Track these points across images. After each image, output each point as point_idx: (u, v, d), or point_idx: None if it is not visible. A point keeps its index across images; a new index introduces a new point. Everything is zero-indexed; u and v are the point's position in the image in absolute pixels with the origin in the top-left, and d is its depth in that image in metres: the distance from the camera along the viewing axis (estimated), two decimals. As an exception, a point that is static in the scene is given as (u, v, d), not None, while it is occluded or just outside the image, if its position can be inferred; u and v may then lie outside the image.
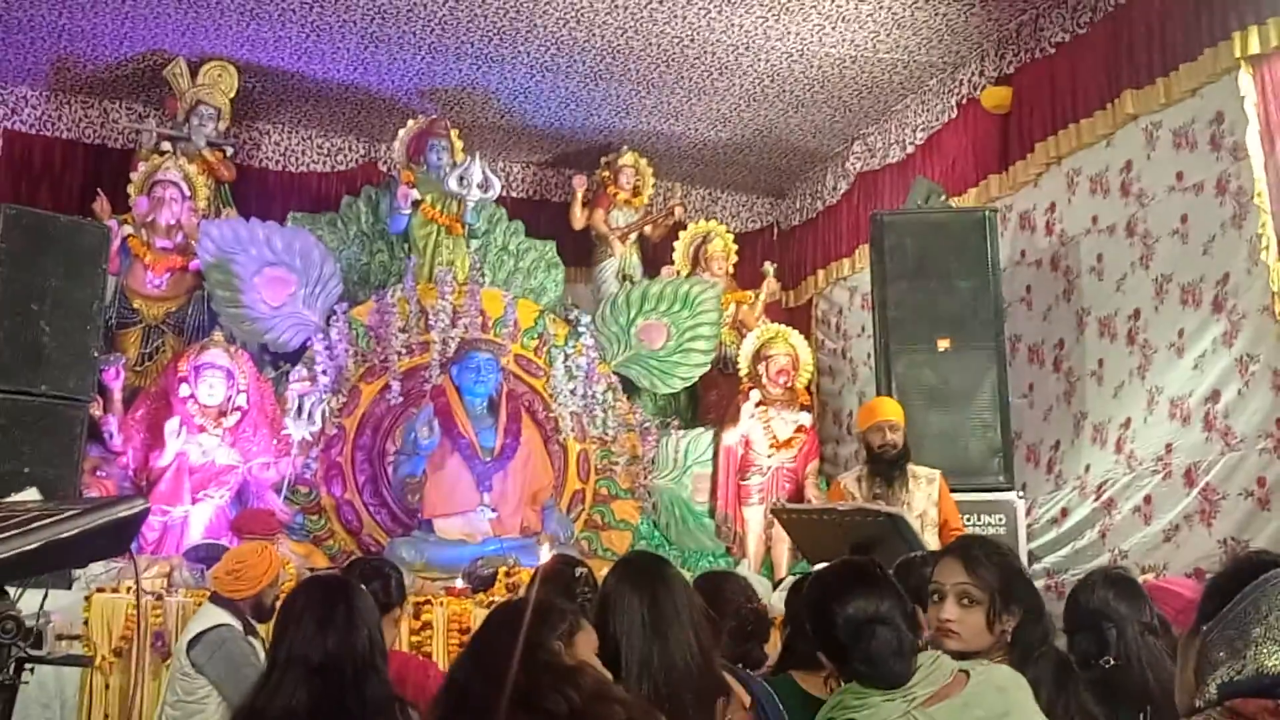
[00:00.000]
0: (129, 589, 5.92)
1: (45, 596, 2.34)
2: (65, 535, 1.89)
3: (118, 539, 2.07)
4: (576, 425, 8.60)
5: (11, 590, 2.15)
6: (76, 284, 6.82)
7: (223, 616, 4.66)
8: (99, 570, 6.39)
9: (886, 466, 6.26)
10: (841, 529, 5.50)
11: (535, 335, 8.66)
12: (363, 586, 3.53)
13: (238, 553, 5.05)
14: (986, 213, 7.65)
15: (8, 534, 1.91)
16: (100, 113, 9.35)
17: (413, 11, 8.01)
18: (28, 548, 1.85)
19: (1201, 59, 6.56)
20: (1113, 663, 3.35)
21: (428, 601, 6.20)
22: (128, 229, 8.32)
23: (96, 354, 7.06)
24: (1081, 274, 7.53)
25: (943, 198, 7.95)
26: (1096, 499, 7.08)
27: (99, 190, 8.44)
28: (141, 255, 8.33)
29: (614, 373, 8.84)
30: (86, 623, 5.70)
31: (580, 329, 8.76)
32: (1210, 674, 1.96)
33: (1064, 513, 7.31)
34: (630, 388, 8.97)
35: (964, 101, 8.53)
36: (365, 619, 3.29)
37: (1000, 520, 6.85)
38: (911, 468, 6.29)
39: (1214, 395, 6.43)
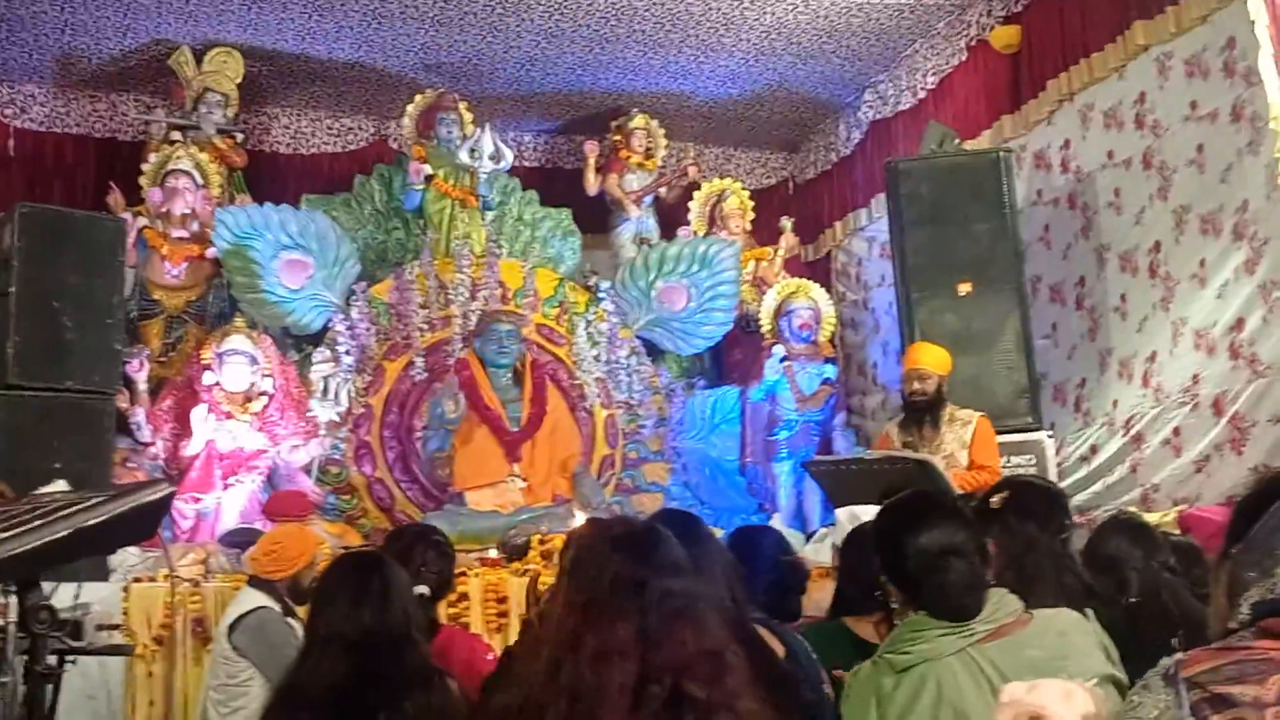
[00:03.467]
0: (165, 577, 5.96)
1: (79, 589, 2.37)
2: (92, 522, 1.92)
3: (145, 524, 2.09)
4: (602, 391, 8.60)
5: (46, 585, 2.18)
6: (95, 279, 6.84)
7: (261, 599, 4.68)
8: (135, 560, 6.44)
9: (917, 413, 6.25)
10: (871, 477, 5.51)
11: (555, 304, 8.66)
12: (397, 562, 3.54)
13: (274, 535, 5.08)
14: (1001, 154, 7.59)
15: (36, 524, 1.94)
16: (108, 106, 9.37)
17: (414, -15, 8.00)
18: (56, 536, 1.87)
19: (1212, -15, 6.50)
20: (1135, 600, 3.38)
21: (463, 573, 6.21)
22: (143, 221, 8.34)
23: (120, 347, 7.09)
24: (1099, 210, 7.48)
25: (956, 141, 7.90)
26: (1125, 434, 7.05)
27: (111, 184, 8.46)
28: (158, 246, 8.35)
29: (636, 336, 8.84)
30: (126, 613, 5.74)
31: (600, 295, 8.75)
32: (1242, 594, 1.95)
33: (1094, 449, 7.29)
34: (654, 351, 8.97)
35: (973, 43, 8.47)
36: (400, 592, 3.31)
37: (1030, 460, 6.83)
38: (952, 410, 6.25)
39: (1238, 324, 6.39)
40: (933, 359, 6.34)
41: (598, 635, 2.36)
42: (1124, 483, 6.99)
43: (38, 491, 2.58)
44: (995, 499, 3.45)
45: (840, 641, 3.45)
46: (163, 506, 2.10)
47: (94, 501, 2.00)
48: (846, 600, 3.70)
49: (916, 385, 6.27)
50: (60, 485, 2.81)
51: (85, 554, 2.24)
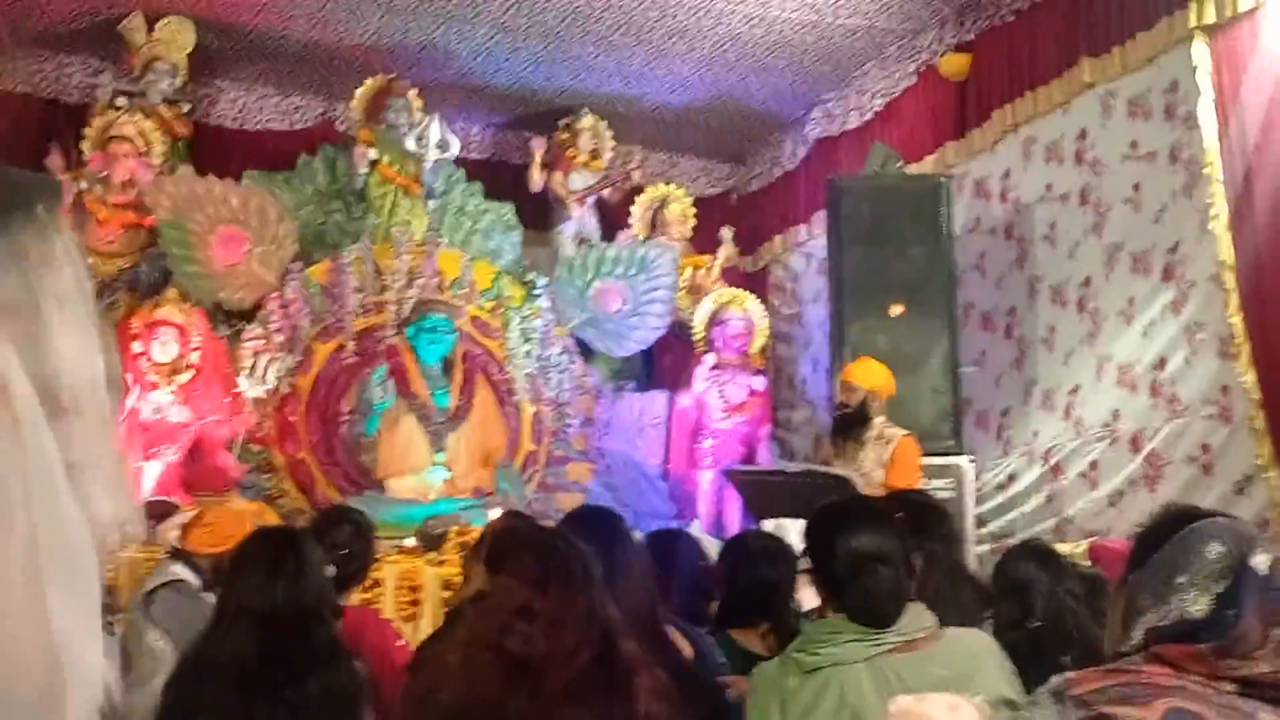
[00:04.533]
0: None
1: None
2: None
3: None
4: (531, 387, 8.61)
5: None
6: (28, 238, 6.76)
7: (182, 572, 4.65)
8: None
9: (842, 424, 6.29)
10: (791, 490, 5.56)
11: (492, 297, 8.66)
12: (315, 541, 3.54)
13: (213, 513, 5.04)
14: (942, 180, 7.68)
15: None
16: (55, 66, 9.23)
17: (372, -32, 7.97)
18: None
19: (1158, 28, 6.60)
20: (1038, 624, 3.45)
21: (378, 559, 6.20)
22: (81, 184, 8.25)
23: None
24: (1035, 241, 7.59)
25: (899, 164, 7.99)
26: (1044, 464, 7.16)
27: (52, 144, 8.35)
28: (95, 211, 8.26)
29: (570, 335, 8.85)
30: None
31: (537, 291, 8.76)
32: (1136, 619, 2.02)
33: (1012, 478, 7.39)
34: (586, 350, 8.99)
35: (923, 68, 8.55)
36: (313, 570, 3.31)
37: (950, 484, 6.90)
38: (881, 428, 6.29)
39: (1161, 363, 6.51)
40: (863, 374, 6.36)
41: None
42: (1039, 512, 7.09)
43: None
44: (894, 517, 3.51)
45: (727, 654, 3.48)
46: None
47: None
48: (729, 613, 3.73)
49: (841, 397, 6.32)
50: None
51: None
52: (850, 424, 6.22)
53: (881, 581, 2.64)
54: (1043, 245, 7.53)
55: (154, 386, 7.50)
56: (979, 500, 7.25)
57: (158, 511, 6.39)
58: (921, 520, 3.45)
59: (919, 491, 4.76)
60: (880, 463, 6.14)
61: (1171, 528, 2.09)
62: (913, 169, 8.26)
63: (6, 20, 8.62)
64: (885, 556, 2.67)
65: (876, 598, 2.64)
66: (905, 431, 6.25)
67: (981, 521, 7.21)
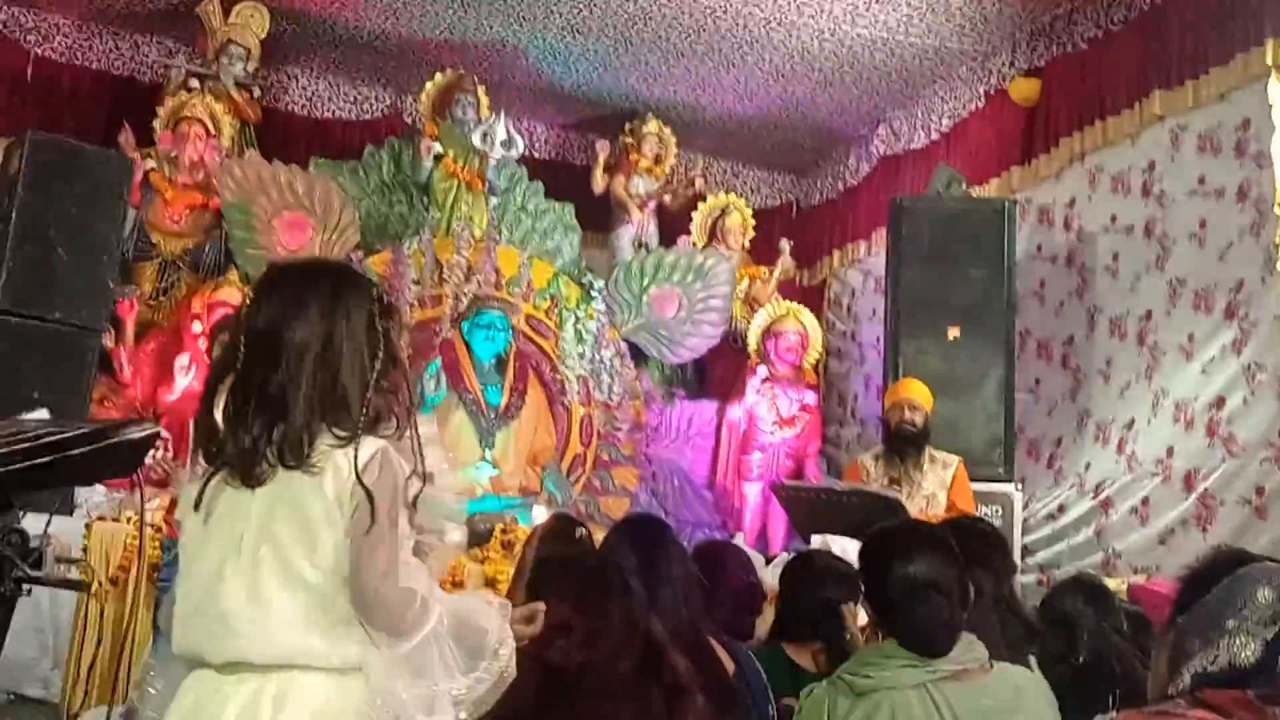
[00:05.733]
0: (129, 519, 5.96)
1: (49, 521, 2.39)
2: (76, 452, 1.94)
3: (126, 461, 2.11)
4: (582, 389, 8.62)
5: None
6: (96, 214, 6.83)
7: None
8: (100, 498, 6.45)
9: (902, 445, 6.26)
10: (837, 509, 5.55)
11: (548, 296, 8.67)
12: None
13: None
14: (1006, 204, 7.64)
15: (19, 447, 1.96)
16: (131, 45, 9.35)
17: (448, -36, 8.03)
18: (38, 461, 1.90)
19: (1232, 64, 6.55)
20: (1083, 660, 3.44)
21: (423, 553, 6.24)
22: (151, 163, 8.34)
23: (112, 285, 7.08)
24: (1096, 272, 7.54)
25: (964, 186, 7.95)
26: (1094, 497, 7.09)
27: (124, 122, 8.45)
28: (163, 190, 8.35)
29: (623, 339, 8.86)
30: (86, 549, 5.74)
31: (593, 293, 8.77)
32: (1184, 663, 2.01)
33: (1061, 509, 7.33)
34: (639, 355, 8.99)
35: (992, 91, 8.51)
36: None
37: (997, 512, 6.87)
38: (930, 451, 6.29)
39: (1219, 402, 6.44)
40: (922, 393, 6.38)
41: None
42: (1087, 545, 7.03)
43: (20, 417, 2.59)
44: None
45: (778, 667, 3.48)
46: (146, 445, 2.13)
47: (79, 431, 2.03)
48: (786, 626, 3.73)
49: (907, 415, 6.28)
50: (42, 414, 2.83)
51: (64, 483, 2.25)
52: (916, 444, 6.20)
53: (936, 609, 2.64)
54: (1104, 276, 7.47)
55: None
56: (1026, 530, 7.21)
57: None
58: (980, 550, 3.43)
59: (980, 519, 4.73)
60: (943, 485, 6.11)
61: (1222, 571, 2.08)
62: (976, 192, 8.22)
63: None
64: (940, 584, 2.66)
65: (930, 625, 2.63)
66: (958, 457, 6.24)
67: (1027, 551, 7.16)
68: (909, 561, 2.69)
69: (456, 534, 6.33)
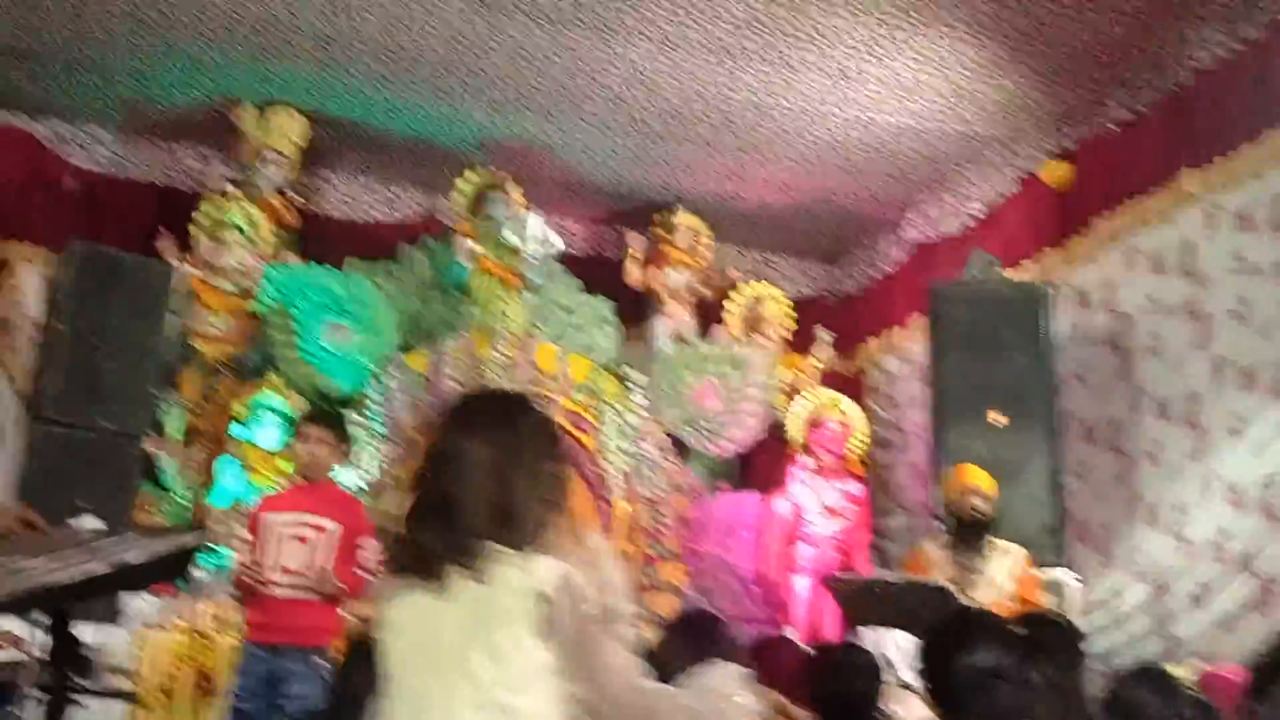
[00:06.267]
0: (177, 627, 5.95)
1: (96, 629, 2.37)
2: (132, 560, 1.93)
3: (179, 566, 2.10)
4: (625, 484, 8.58)
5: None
6: (139, 322, 6.94)
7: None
8: (148, 607, 6.43)
9: (972, 532, 6.19)
10: (890, 600, 5.48)
11: (587, 391, 8.67)
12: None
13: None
14: (1044, 287, 7.62)
15: (75, 558, 1.95)
16: (169, 154, 9.48)
17: (480, 66, 8.11)
18: (97, 572, 1.89)
19: (1262, 140, 6.55)
20: None
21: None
22: (191, 270, 8.42)
23: (154, 391, 7.14)
24: (1138, 353, 7.46)
25: (999, 270, 7.94)
26: (1150, 583, 6.97)
27: (164, 230, 8.54)
28: (204, 296, 8.43)
29: (665, 432, 8.83)
30: (135, 659, 5.72)
31: (632, 387, 8.77)
32: (1263, 752, 1.94)
33: (1116, 596, 7.19)
34: (681, 449, 8.96)
35: (1023, 175, 8.52)
36: None
37: (1054, 601, 6.75)
38: (992, 540, 6.22)
39: (1272, 481, 6.34)
40: (988, 480, 6.31)
41: None
42: (1145, 633, 6.86)
43: (70, 524, 2.59)
44: (1020, 631, 3.43)
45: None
46: (196, 551, 2.12)
47: (132, 540, 2.02)
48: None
49: (978, 503, 6.20)
50: (91, 520, 2.82)
51: (119, 588, 2.23)
52: (982, 533, 6.13)
53: (1003, 699, 2.57)
54: (1146, 357, 7.40)
55: (255, 472, 7.58)
56: (1081, 619, 7.07)
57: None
58: (1047, 639, 3.37)
59: (1050, 610, 4.66)
60: (1010, 575, 6.03)
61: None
62: (1012, 275, 8.20)
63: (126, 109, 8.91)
64: (1005, 673, 2.60)
65: (996, 715, 2.57)
66: (1018, 546, 6.16)
67: (1083, 635, 7.02)
68: (970, 651, 2.63)
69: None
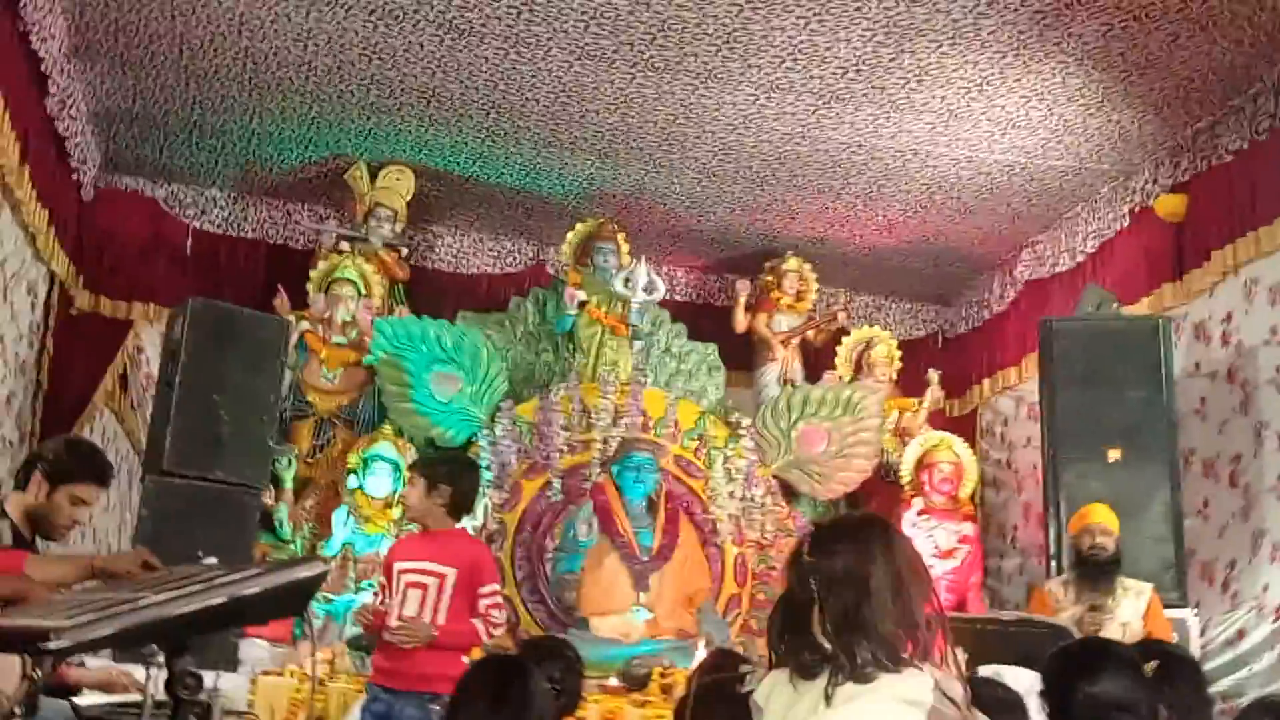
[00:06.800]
0: (292, 672, 6.03)
1: (218, 675, 2.42)
2: (249, 592, 1.97)
3: (296, 599, 2.14)
4: (734, 528, 8.56)
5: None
6: (255, 376, 7.08)
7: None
8: (264, 653, 6.54)
9: (1095, 571, 6.10)
10: (1004, 640, 5.38)
11: (695, 436, 8.68)
12: (536, 669, 3.55)
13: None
14: (1160, 321, 7.48)
15: (194, 590, 2.00)
16: (283, 213, 9.74)
17: (585, 118, 8.21)
18: (213, 602, 1.93)
19: (1384, 165, 6.40)
20: None
21: (582, 698, 6.18)
22: (305, 324, 8.61)
23: (271, 444, 7.28)
24: (1259, 386, 7.29)
25: (1115, 305, 7.81)
26: (1275, 620, 6.79)
27: (279, 286, 8.75)
28: (317, 350, 8.61)
29: (774, 476, 8.80)
30: (252, 704, 5.81)
31: (741, 431, 8.76)
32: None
33: (1240, 634, 7.01)
34: (790, 492, 8.92)
35: (1136, 209, 8.39)
36: (539, 701, 3.31)
37: (1175, 639, 6.60)
38: (1123, 580, 6.12)
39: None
40: (1109, 518, 6.21)
41: None
42: (1271, 670, 6.70)
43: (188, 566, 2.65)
44: (1148, 666, 3.36)
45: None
46: (315, 584, 2.15)
47: (251, 573, 2.06)
48: None
49: (1099, 540, 6.13)
50: (210, 561, 2.89)
51: (236, 623, 2.29)
52: (1109, 571, 6.03)
53: None
54: (1268, 390, 7.23)
55: (368, 520, 7.69)
56: (1204, 657, 6.90)
57: (367, 643, 6.49)
58: (1173, 672, 3.29)
59: (1170, 643, 4.56)
60: (1138, 614, 5.92)
61: None
62: (1127, 311, 8.06)
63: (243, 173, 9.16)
64: (1129, 705, 2.54)
65: None
66: (1150, 584, 6.04)
67: (1208, 679, 6.85)
68: (1095, 681, 2.57)
69: None
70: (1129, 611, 5.96)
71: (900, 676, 2.29)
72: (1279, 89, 7.16)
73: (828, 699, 2.31)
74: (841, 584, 2.40)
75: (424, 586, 5.27)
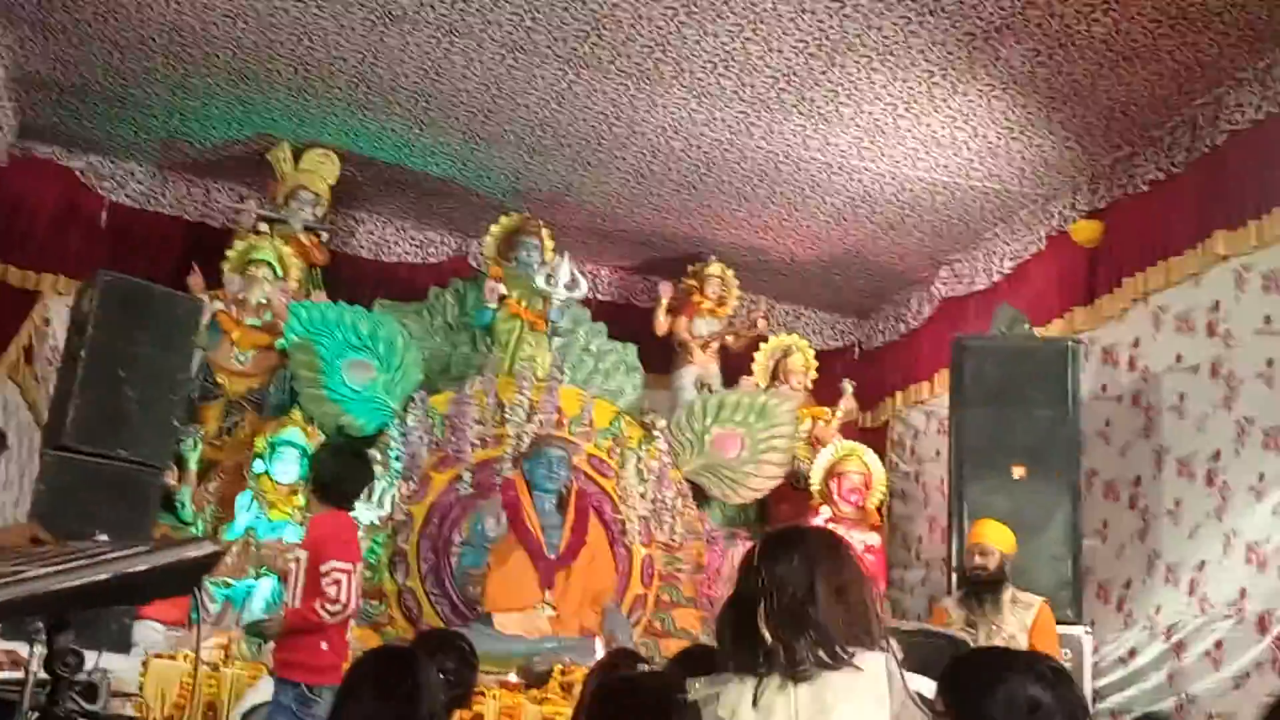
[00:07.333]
0: (186, 657, 5.95)
1: (100, 655, 2.38)
2: (136, 569, 1.94)
3: (185, 580, 2.11)
4: (644, 529, 8.56)
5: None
6: (165, 354, 6.97)
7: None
8: (158, 636, 6.45)
9: (978, 589, 6.19)
10: (905, 649, 5.44)
11: (610, 436, 8.67)
12: (429, 661, 3.53)
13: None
14: (1071, 344, 7.60)
15: (80, 564, 1.96)
16: (203, 191, 9.61)
17: (516, 112, 8.19)
18: (98, 578, 1.90)
19: (1294, 202, 6.54)
20: None
21: (480, 693, 6.17)
22: (219, 304, 8.50)
23: (176, 424, 7.17)
24: (1162, 411, 7.44)
25: (1027, 326, 7.92)
26: (1166, 640, 6.92)
27: (194, 264, 8.63)
28: (230, 331, 8.49)
29: (685, 479, 8.83)
30: (142, 688, 5.73)
31: (655, 433, 8.76)
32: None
33: (1132, 653, 7.15)
34: (701, 496, 8.95)
35: (1053, 233, 8.52)
36: (430, 693, 3.29)
37: (1066, 655, 6.70)
38: (1014, 593, 6.20)
39: (1293, 542, 6.30)
40: (996, 536, 6.29)
41: None
42: (1160, 690, 6.84)
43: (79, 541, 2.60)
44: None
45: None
46: (205, 565, 2.12)
47: (139, 550, 2.03)
48: None
49: (978, 560, 6.23)
50: (101, 538, 2.84)
51: (123, 601, 2.25)
52: (991, 587, 6.12)
53: None
54: (1170, 415, 7.38)
55: (272, 506, 7.61)
56: (1097, 674, 7.03)
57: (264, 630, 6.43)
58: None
59: (1050, 658, 4.62)
60: (1024, 627, 6.01)
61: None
62: (1039, 332, 8.18)
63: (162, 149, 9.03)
64: (1043, 707, 2.56)
65: None
66: (1041, 598, 6.13)
67: (1099, 696, 6.98)
68: (1007, 684, 2.59)
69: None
70: (1014, 625, 6.04)
71: (853, 670, 2.50)
72: (1195, 123, 7.30)
73: (796, 682, 2.51)
74: (786, 584, 2.58)
75: (291, 572, 5.29)
